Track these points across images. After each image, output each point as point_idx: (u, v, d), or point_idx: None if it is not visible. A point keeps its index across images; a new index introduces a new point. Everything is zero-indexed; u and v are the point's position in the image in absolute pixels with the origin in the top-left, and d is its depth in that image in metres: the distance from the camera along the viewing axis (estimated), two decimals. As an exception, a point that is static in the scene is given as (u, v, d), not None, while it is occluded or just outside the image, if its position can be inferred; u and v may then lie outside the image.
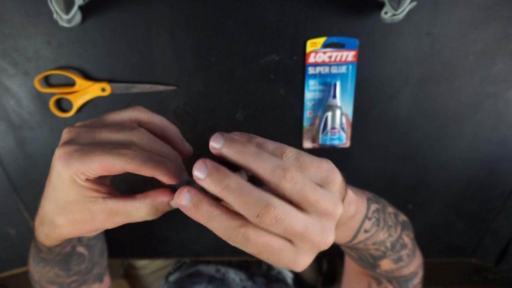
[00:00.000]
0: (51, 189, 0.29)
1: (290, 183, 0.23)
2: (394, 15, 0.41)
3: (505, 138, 0.52)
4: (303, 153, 0.25)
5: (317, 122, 0.52)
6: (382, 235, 0.41)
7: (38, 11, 0.45)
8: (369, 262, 0.45)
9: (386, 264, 0.44)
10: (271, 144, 0.25)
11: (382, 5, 0.42)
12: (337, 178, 0.26)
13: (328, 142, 0.51)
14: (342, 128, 0.51)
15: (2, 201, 0.56)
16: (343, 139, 0.52)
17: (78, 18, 0.44)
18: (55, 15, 0.42)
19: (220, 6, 0.45)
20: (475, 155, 0.54)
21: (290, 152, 0.25)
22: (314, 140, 0.53)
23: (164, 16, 0.46)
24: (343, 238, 0.39)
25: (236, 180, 0.22)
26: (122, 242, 0.60)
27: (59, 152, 0.26)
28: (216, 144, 0.24)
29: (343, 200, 0.28)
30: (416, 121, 0.52)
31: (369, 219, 0.39)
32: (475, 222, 0.59)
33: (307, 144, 0.53)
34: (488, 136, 0.52)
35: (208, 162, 0.23)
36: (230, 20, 0.46)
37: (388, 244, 0.43)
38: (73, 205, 0.28)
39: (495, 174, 0.55)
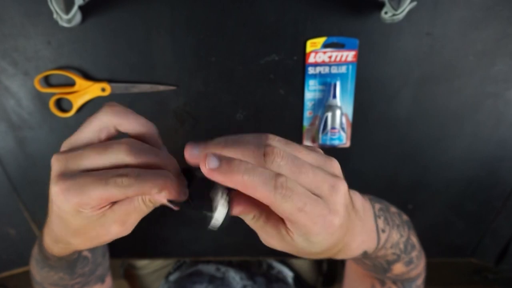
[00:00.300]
0: (57, 219, 0.29)
1: (275, 149, 0.25)
2: (394, 15, 0.41)
3: (505, 138, 0.52)
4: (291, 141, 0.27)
5: (317, 122, 0.52)
6: (395, 235, 0.39)
7: (38, 11, 0.45)
8: (383, 268, 0.42)
9: (398, 268, 0.42)
10: (249, 135, 0.27)
11: (382, 5, 0.42)
12: (333, 164, 0.28)
13: (328, 142, 0.51)
14: (342, 128, 0.51)
15: (2, 201, 0.56)
16: (343, 139, 0.52)
17: (78, 18, 0.44)
18: (55, 15, 0.42)
19: (220, 6, 0.45)
20: (475, 155, 0.54)
21: (275, 137, 0.27)
22: (314, 140, 0.53)
23: (164, 16, 0.46)
24: (371, 240, 0.35)
25: (245, 163, 0.23)
26: (122, 242, 0.60)
27: (55, 189, 0.25)
28: (212, 165, 0.23)
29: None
30: (416, 121, 0.52)
31: (379, 217, 0.37)
32: (475, 222, 0.59)
33: (307, 144, 0.53)
34: (488, 136, 0.52)
35: (216, 154, 0.23)
36: (230, 20, 0.46)
37: (402, 246, 0.40)
38: (84, 227, 0.28)
39: (495, 174, 0.55)
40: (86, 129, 0.27)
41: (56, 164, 0.26)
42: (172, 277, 0.73)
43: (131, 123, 0.29)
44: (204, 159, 0.23)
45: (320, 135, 0.51)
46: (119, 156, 0.26)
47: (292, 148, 0.26)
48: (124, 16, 0.46)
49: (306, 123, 0.52)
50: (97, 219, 0.27)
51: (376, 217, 0.36)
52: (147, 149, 0.27)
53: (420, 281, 0.47)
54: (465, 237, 0.61)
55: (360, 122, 0.52)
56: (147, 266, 0.80)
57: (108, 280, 0.52)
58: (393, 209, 0.43)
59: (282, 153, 0.24)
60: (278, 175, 0.23)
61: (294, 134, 0.53)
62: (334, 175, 0.27)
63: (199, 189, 0.28)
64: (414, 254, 0.42)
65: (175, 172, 0.28)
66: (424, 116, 0.51)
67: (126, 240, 0.59)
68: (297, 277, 0.78)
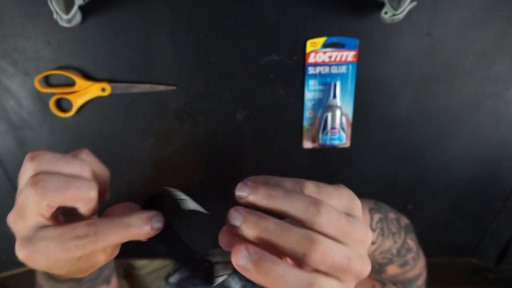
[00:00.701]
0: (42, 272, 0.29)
1: (326, 217, 0.22)
2: (394, 15, 0.41)
3: (505, 138, 0.52)
4: (321, 184, 0.25)
5: (317, 122, 0.52)
6: (388, 244, 0.40)
7: (38, 11, 0.45)
8: (375, 269, 0.44)
9: (392, 269, 0.44)
10: (289, 182, 0.24)
11: (382, 5, 0.42)
12: (358, 203, 0.26)
13: (328, 142, 0.51)
14: (342, 128, 0.51)
15: (2, 201, 0.56)
16: (343, 139, 0.52)
17: (78, 18, 0.44)
18: (55, 15, 0.42)
19: (220, 6, 0.45)
20: (475, 155, 0.54)
21: (310, 185, 0.24)
22: (314, 140, 0.53)
23: (164, 16, 0.46)
24: None
25: (273, 220, 0.21)
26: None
27: (21, 256, 0.27)
28: (242, 193, 0.23)
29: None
30: (416, 121, 0.52)
31: (374, 230, 0.39)
32: (475, 222, 0.59)
33: (307, 144, 0.53)
34: (488, 136, 0.52)
35: (241, 208, 0.22)
36: (230, 20, 0.46)
37: (394, 251, 0.42)
38: (70, 269, 0.28)
39: (495, 174, 0.55)
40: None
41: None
42: (172, 279, 0.73)
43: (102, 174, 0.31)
44: (235, 253, 0.21)
45: (320, 135, 0.51)
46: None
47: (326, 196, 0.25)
48: (124, 16, 0.46)
49: (306, 123, 0.52)
50: (78, 261, 0.27)
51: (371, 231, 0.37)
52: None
53: (420, 281, 0.47)
54: (465, 237, 0.61)
55: (360, 122, 0.52)
56: (146, 266, 0.80)
57: (114, 281, 0.52)
58: (392, 214, 0.43)
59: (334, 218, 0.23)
60: (312, 284, 0.21)
61: (294, 134, 0.53)
62: (361, 220, 0.26)
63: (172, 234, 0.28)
64: (409, 256, 0.43)
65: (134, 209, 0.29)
66: (424, 116, 0.51)
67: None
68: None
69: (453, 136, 0.52)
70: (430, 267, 0.56)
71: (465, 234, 0.60)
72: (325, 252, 0.21)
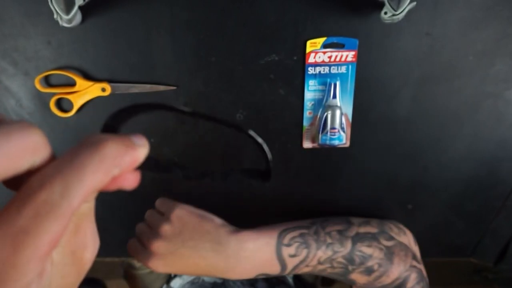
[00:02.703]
0: None
1: None
2: (394, 15, 0.41)
3: (505, 138, 0.52)
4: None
5: (317, 122, 0.52)
6: (322, 253, 0.46)
7: (38, 11, 0.45)
8: (344, 279, 0.49)
9: (358, 278, 0.48)
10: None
11: (382, 5, 0.42)
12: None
13: (328, 142, 0.51)
14: (342, 128, 0.51)
15: (2, 201, 0.56)
16: (343, 139, 0.52)
17: (78, 18, 0.44)
18: (55, 15, 0.42)
19: (220, 6, 0.45)
20: (475, 155, 0.54)
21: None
22: (314, 140, 0.53)
23: (164, 16, 0.46)
24: (269, 266, 0.45)
25: None
26: (122, 242, 0.60)
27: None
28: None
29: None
30: (416, 121, 0.52)
31: (288, 245, 0.45)
32: (475, 222, 0.59)
33: (307, 144, 0.53)
34: (488, 136, 0.52)
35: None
36: (230, 20, 0.46)
37: (341, 259, 0.46)
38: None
39: (495, 174, 0.55)
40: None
41: None
42: (174, 284, 0.73)
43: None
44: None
45: (320, 135, 0.51)
46: None
47: None
48: (124, 16, 0.46)
49: (306, 123, 0.52)
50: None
51: (280, 247, 0.45)
52: None
53: (410, 284, 0.49)
54: (465, 237, 0.61)
55: (360, 122, 0.52)
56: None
57: None
58: (338, 227, 0.48)
59: None
60: None
61: (294, 134, 0.53)
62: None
63: None
64: (372, 263, 0.47)
65: None
66: (424, 116, 0.51)
67: (126, 240, 0.59)
68: (297, 276, 0.78)
69: (453, 136, 0.52)
70: (430, 267, 0.56)
71: (465, 234, 0.60)
72: None
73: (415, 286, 0.49)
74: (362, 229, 0.49)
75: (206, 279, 0.69)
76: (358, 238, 0.48)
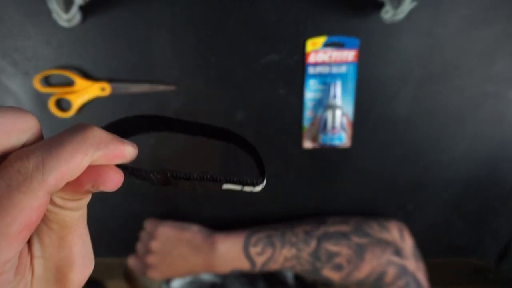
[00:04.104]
0: None
1: None
2: (394, 15, 0.41)
3: (505, 138, 0.52)
4: None
5: (317, 122, 0.51)
6: (288, 252, 0.51)
7: (38, 11, 0.45)
8: (318, 277, 0.53)
9: (330, 274, 0.52)
10: None
11: (382, 5, 0.42)
12: None
13: (328, 142, 0.51)
14: (343, 128, 0.51)
15: (2, 201, 0.56)
16: (343, 139, 0.51)
17: (78, 17, 0.44)
18: (54, 15, 0.41)
19: (221, 5, 0.45)
20: (476, 155, 0.54)
21: None
22: (314, 140, 0.53)
23: (164, 16, 0.46)
24: (240, 263, 0.52)
25: None
26: (122, 242, 0.60)
27: None
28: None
29: None
30: (416, 121, 0.52)
31: (254, 245, 0.52)
32: (475, 222, 0.59)
33: (307, 144, 0.53)
34: (489, 136, 0.52)
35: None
36: (230, 19, 0.46)
37: (307, 257, 0.51)
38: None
39: (495, 174, 0.55)
40: None
41: None
42: (174, 284, 0.73)
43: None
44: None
45: (321, 135, 0.51)
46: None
47: None
48: (124, 15, 0.46)
49: (306, 123, 0.52)
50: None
51: (247, 247, 0.52)
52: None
53: (388, 278, 0.51)
54: (465, 237, 0.61)
55: (360, 122, 0.52)
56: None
57: None
58: (305, 228, 0.53)
59: None
60: None
61: (294, 134, 0.53)
62: None
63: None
64: (340, 259, 0.51)
65: None
66: (424, 116, 0.51)
67: (126, 240, 0.59)
68: (297, 276, 0.78)
69: (454, 136, 0.52)
70: (431, 267, 0.56)
71: (465, 234, 0.60)
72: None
73: (395, 281, 0.50)
74: (332, 228, 0.53)
75: (205, 279, 0.69)
76: (324, 237, 0.52)
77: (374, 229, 0.54)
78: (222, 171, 0.55)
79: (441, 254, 0.63)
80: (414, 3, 0.41)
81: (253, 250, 0.52)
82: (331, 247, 0.52)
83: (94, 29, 0.46)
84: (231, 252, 0.53)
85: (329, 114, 0.50)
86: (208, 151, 0.54)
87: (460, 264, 0.65)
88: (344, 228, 0.54)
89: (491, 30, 0.46)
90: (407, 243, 0.54)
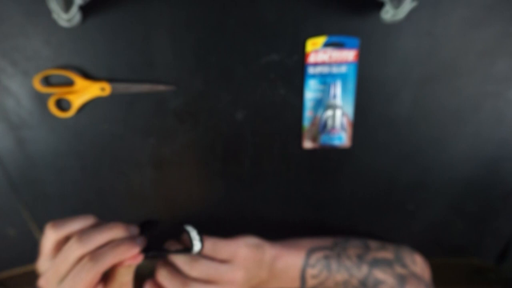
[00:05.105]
0: None
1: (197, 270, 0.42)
2: (394, 15, 0.41)
3: (505, 138, 0.52)
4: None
5: (317, 122, 0.51)
6: (340, 277, 0.49)
7: (38, 11, 0.45)
8: None
9: None
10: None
11: (382, 5, 0.42)
12: (238, 254, 0.47)
13: (328, 142, 0.51)
14: (343, 128, 0.51)
15: (2, 201, 0.56)
16: (343, 139, 0.51)
17: (78, 17, 0.44)
18: (54, 15, 0.41)
19: (220, 5, 0.45)
20: (476, 155, 0.53)
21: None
22: (314, 140, 0.53)
23: (164, 16, 0.46)
24: (290, 283, 0.48)
25: None
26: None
27: None
28: None
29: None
30: (416, 121, 0.51)
31: (313, 267, 0.48)
32: (476, 222, 0.59)
33: (307, 144, 0.53)
34: (489, 136, 0.52)
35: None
36: (230, 19, 0.46)
37: (356, 283, 0.49)
38: None
39: (495, 174, 0.55)
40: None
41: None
42: None
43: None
44: None
45: (321, 135, 0.51)
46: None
47: None
48: (124, 15, 0.46)
49: (306, 123, 0.52)
50: None
51: (305, 268, 0.48)
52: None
53: None
54: (466, 237, 0.60)
55: (360, 122, 0.52)
56: (146, 266, 0.80)
57: None
58: (357, 251, 0.51)
59: None
60: None
61: (294, 134, 0.52)
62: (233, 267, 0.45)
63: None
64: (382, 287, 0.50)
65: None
66: (424, 115, 0.51)
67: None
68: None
69: (454, 136, 0.52)
70: (431, 267, 0.56)
71: (466, 234, 0.60)
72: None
73: None
74: (379, 254, 0.51)
75: None
76: (374, 263, 0.50)
77: (409, 260, 0.53)
78: (222, 171, 0.55)
79: (441, 254, 0.63)
80: (414, 3, 0.41)
81: (310, 272, 0.48)
82: (379, 274, 0.49)
83: (94, 29, 0.46)
84: (289, 271, 0.48)
85: (329, 114, 0.50)
86: (208, 151, 0.54)
87: (460, 264, 0.65)
88: (388, 255, 0.52)
89: (491, 30, 0.46)
90: (428, 276, 0.54)
